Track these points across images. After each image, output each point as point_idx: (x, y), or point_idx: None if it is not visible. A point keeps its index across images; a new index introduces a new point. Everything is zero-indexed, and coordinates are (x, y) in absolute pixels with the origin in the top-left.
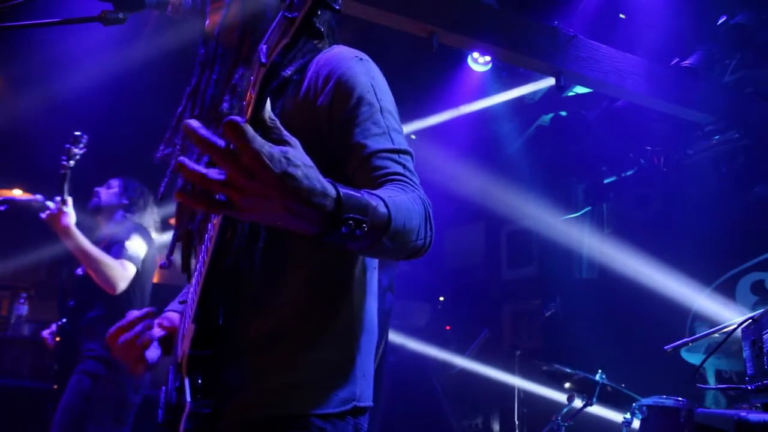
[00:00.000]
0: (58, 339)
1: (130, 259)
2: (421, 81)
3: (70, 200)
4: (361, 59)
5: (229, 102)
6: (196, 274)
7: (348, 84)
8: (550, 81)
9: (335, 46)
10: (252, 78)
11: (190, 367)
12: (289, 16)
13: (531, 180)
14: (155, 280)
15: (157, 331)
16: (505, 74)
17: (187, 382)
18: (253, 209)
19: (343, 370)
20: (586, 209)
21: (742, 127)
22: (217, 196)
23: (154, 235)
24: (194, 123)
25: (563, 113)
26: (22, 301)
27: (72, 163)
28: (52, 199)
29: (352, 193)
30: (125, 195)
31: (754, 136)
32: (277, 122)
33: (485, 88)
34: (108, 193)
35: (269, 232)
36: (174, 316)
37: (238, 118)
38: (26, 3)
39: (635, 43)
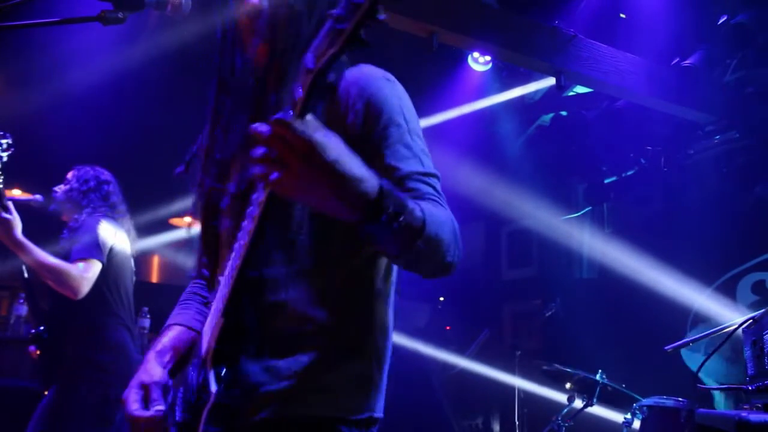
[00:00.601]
0: (38, 352)
1: (92, 254)
2: (421, 81)
3: (11, 205)
4: (389, 80)
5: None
6: (228, 270)
7: (378, 105)
8: (551, 81)
9: (362, 65)
10: (299, 84)
11: (215, 361)
12: (339, 27)
13: (531, 180)
14: (154, 279)
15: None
16: (505, 74)
17: (211, 373)
18: (304, 191)
19: (366, 380)
20: (587, 209)
21: (742, 127)
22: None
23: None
24: (259, 126)
25: (564, 113)
26: (21, 301)
27: None
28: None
29: (392, 188)
30: (79, 190)
31: (754, 136)
32: (319, 123)
33: (485, 88)
34: (63, 190)
35: (307, 235)
36: (175, 335)
37: (284, 114)
38: (25, 3)
39: (636, 43)
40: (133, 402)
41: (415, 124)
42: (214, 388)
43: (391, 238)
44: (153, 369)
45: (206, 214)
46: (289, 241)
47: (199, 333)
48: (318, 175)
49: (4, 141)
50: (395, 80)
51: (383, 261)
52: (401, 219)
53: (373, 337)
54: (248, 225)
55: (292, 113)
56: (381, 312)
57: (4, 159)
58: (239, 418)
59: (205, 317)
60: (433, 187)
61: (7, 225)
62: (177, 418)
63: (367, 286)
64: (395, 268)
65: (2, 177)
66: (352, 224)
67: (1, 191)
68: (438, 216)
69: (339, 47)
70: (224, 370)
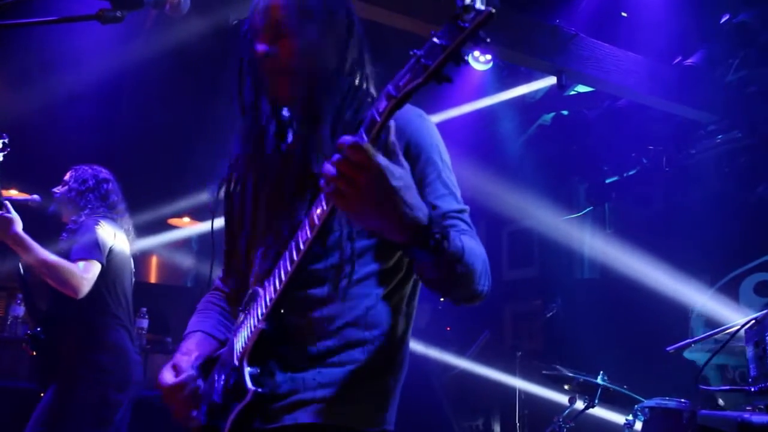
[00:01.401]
0: (34, 353)
1: (92, 255)
2: None
3: (8, 204)
4: (423, 118)
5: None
6: (273, 279)
7: (417, 146)
8: (552, 80)
9: None
10: (376, 110)
11: (251, 361)
12: (424, 62)
13: (532, 180)
14: (153, 280)
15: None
16: (506, 73)
17: (247, 372)
18: (365, 210)
19: (385, 395)
20: (588, 209)
21: (745, 126)
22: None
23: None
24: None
25: (565, 112)
26: (18, 302)
27: None
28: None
29: (439, 218)
30: (77, 191)
31: (757, 135)
32: (397, 147)
33: (486, 87)
34: (61, 192)
35: (349, 258)
36: (199, 340)
37: (359, 138)
38: (24, 1)
39: (637, 42)
40: (167, 375)
41: (447, 159)
42: (251, 386)
43: (434, 263)
44: (183, 359)
45: (236, 225)
46: (332, 263)
47: (220, 342)
48: (381, 196)
49: (0, 141)
50: (427, 117)
51: (409, 286)
52: (445, 245)
53: (395, 356)
54: (303, 236)
55: (366, 137)
56: (404, 332)
57: (0, 159)
58: (263, 422)
59: (225, 327)
60: (467, 223)
61: (6, 223)
62: (201, 421)
63: (395, 308)
64: (418, 292)
65: None
66: (399, 246)
67: None
68: (474, 248)
69: (423, 79)
70: (258, 371)
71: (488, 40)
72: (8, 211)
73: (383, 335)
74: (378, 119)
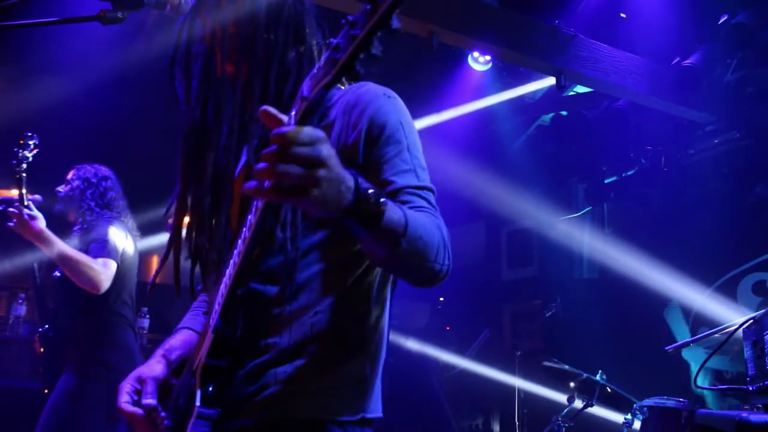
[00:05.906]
0: (41, 349)
1: (110, 255)
2: (421, 81)
3: (32, 203)
4: (389, 97)
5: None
6: (221, 285)
7: (379, 124)
8: (551, 80)
9: (364, 82)
10: (295, 108)
11: (204, 376)
12: (334, 57)
13: (531, 180)
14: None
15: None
16: (505, 73)
17: (198, 391)
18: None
19: (360, 382)
20: (587, 209)
21: (743, 126)
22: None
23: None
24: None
25: (564, 113)
26: (20, 301)
27: (24, 165)
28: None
29: (372, 186)
30: (79, 189)
31: (755, 135)
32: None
33: (485, 88)
34: (64, 191)
35: (301, 246)
36: (184, 337)
37: (271, 109)
38: (24, 2)
39: (636, 43)
40: (124, 394)
41: (413, 139)
42: (198, 403)
43: (373, 236)
44: (154, 365)
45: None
46: (289, 252)
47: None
48: (305, 170)
49: (31, 141)
50: (395, 96)
51: (378, 270)
52: (378, 219)
53: (369, 342)
54: (245, 233)
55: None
56: (378, 318)
57: (30, 159)
58: (228, 423)
59: None
60: (427, 200)
61: (36, 223)
62: (166, 423)
63: (366, 294)
64: (390, 277)
65: (25, 175)
66: (329, 223)
67: (23, 194)
68: (422, 220)
69: (333, 76)
70: (212, 387)
71: (401, 28)
72: (30, 209)
73: (356, 323)
74: (293, 119)
